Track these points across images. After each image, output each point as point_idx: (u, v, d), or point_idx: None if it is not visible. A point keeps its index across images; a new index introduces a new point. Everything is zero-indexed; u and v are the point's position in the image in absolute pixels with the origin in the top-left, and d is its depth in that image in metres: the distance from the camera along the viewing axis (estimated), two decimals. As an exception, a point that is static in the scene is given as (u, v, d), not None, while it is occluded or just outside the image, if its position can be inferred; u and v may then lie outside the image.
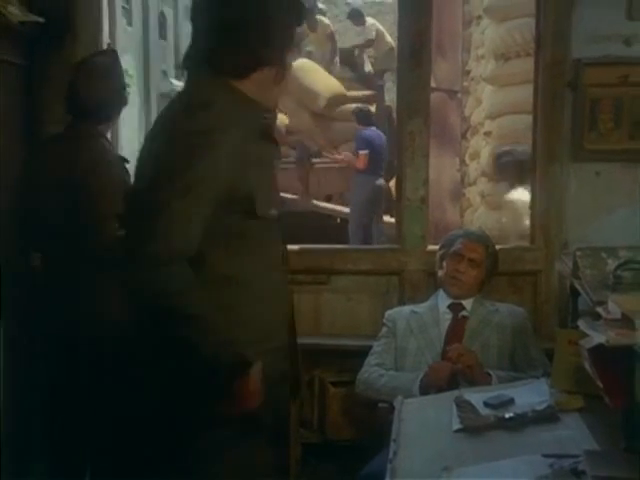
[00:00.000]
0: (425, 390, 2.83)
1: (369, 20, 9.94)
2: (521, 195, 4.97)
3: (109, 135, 3.29)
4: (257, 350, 1.90)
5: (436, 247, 3.32)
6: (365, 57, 9.61)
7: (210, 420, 1.88)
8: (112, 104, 3.12)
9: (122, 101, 3.17)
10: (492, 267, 3.19)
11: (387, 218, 7.38)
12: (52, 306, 3.04)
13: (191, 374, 1.85)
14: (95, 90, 3.04)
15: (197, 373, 1.84)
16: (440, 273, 3.19)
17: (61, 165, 3.00)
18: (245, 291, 1.93)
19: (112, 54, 3.27)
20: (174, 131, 1.89)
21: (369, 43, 9.70)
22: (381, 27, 10.00)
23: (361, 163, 7.54)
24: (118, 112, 3.19)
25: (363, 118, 7.87)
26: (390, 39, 9.94)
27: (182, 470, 1.93)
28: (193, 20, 2.02)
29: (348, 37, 10.27)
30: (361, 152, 7.55)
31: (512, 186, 5.20)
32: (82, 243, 2.95)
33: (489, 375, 2.86)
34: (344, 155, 8.12)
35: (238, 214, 1.88)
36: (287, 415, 2.15)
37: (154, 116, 16.93)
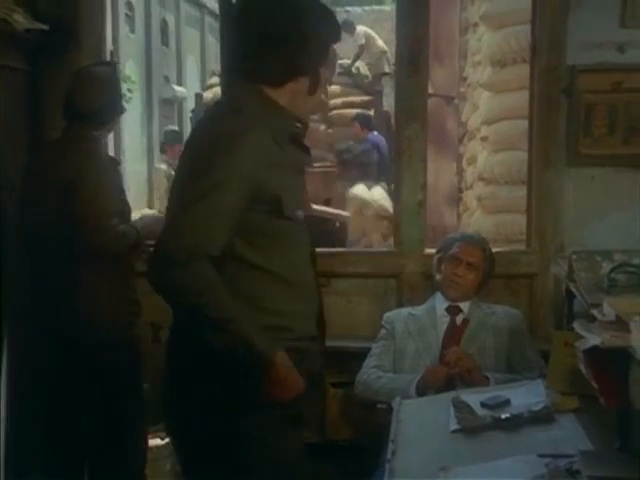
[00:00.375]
0: (422, 392, 2.83)
1: (359, 27, 10.10)
2: (362, 191, 5.02)
3: (109, 139, 3.31)
4: (285, 340, 1.96)
5: (433, 250, 3.33)
6: (361, 64, 9.63)
7: (249, 408, 1.93)
8: (106, 111, 3.13)
9: (117, 109, 3.20)
10: (489, 270, 3.19)
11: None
12: (47, 306, 3.05)
13: (218, 367, 1.90)
14: (89, 97, 3.07)
15: (223, 367, 1.89)
16: (438, 276, 3.19)
17: (56, 167, 3.02)
18: (272, 283, 1.97)
19: (111, 65, 3.31)
20: (204, 134, 1.97)
21: (360, 49, 9.81)
22: (371, 32, 10.08)
23: None
24: (112, 119, 3.20)
25: (366, 122, 7.82)
26: (382, 43, 9.99)
27: (225, 457, 1.97)
28: (231, 29, 2.11)
29: (343, 48, 10.32)
30: None
31: (353, 182, 5.24)
32: (78, 243, 2.96)
33: (487, 378, 2.86)
34: None
35: (265, 213, 1.93)
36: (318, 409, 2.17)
37: (156, 121, 16.98)
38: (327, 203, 8.38)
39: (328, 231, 6.87)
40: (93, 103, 3.07)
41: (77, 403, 3.11)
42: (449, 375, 2.85)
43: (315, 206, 7.06)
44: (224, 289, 1.87)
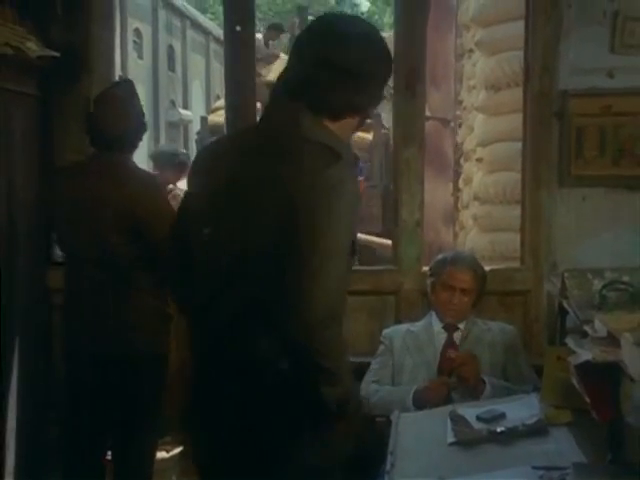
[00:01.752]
0: (419, 404, 2.82)
1: None
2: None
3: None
4: None
5: (430, 268, 3.32)
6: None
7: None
8: (135, 131, 3.10)
9: (142, 128, 3.16)
10: (482, 288, 3.17)
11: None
12: (85, 322, 3.04)
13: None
14: (114, 122, 3.03)
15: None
16: (433, 299, 3.16)
17: (105, 192, 2.96)
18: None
19: (128, 84, 3.27)
20: (308, 186, 1.76)
21: None
22: None
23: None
24: (140, 138, 3.17)
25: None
26: None
27: None
28: (298, 54, 1.93)
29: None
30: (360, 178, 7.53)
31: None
32: (133, 263, 2.97)
33: (483, 382, 2.85)
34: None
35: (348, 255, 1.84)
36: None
37: (162, 143, 17.01)
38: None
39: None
40: (120, 127, 3.03)
41: (102, 418, 3.08)
42: (448, 390, 2.85)
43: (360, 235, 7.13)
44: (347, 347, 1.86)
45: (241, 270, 1.84)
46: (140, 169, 3.16)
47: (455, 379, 2.87)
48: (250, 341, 1.84)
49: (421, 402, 2.83)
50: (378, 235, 7.38)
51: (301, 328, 1.75)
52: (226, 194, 1.88)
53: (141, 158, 3.29)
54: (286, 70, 1.95)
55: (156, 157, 6.09)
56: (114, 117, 3.04)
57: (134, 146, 3.13)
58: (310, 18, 9.26)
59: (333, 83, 1.86)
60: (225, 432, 1.93)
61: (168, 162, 6.09)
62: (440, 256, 3.28)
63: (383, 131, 8.75)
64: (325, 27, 1.95)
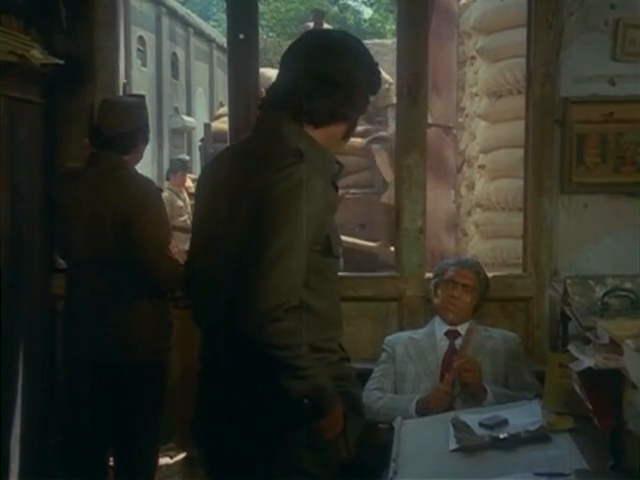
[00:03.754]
0: (422, 412, 2.82)
1: None
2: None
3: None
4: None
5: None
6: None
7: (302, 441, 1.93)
8: (131, 135, 3.07)
9: (142, 135, 3.14)
10: (484, 292, 3.18)
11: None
12: (87, 330, 3.03)
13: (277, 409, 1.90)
14: (114, 121, 3.03)
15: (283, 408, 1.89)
16: (436, 301, 3.19)
17: (105, 198, 2.97)
18: (313, 317, 1.95)
19: (138, 97, 3.29)
20: (270, 186, 1.86)
21: None
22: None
23: None
24: (137, 144, 3.12)
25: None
26: (387, 76, 10.01)
27: None
28: (283, 65, 2.03)
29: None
30: None
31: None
32: (135, 270, 2.96)
33: (485, 390, 2.85)
34: None
35: (320, 253, 1.92)
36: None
37: (166, 150, 17.08)
38: (362, 227, 8.35)
39: (355, 259, 6.93)
40: (120, 126, 3.03)
41: (103, 424, 3.08)
42: (452, 398, 2.84)
43: (345, 237, 7.11)
44: (304, 338, 1.87)
45: (227, 269, 1.93)
46: (139, 174, 3.16)
47: (458, 386, 2.87)
48: (233, 339, 1.89)
49: (424, 410, 2.82)
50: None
51: (252, 320, 1.81)
52: (216, 197, 2.00)
53: (146, 165, 3.27)
54: (275, 81, 2.05)
55: (171, 164, 6.27)
56: (114, 116, 3.05)
57: (132, 147, 3.10)
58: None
59: (313, 92, 1.95)
60: (218, 433, 2.00)
61: (180, 168, 6.27)
62: (445, 260, 3.35)
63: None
64: (309, 40, 2.07)
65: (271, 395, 1.88)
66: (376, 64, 2.05)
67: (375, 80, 2.05)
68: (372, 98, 2.07)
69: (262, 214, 1.86)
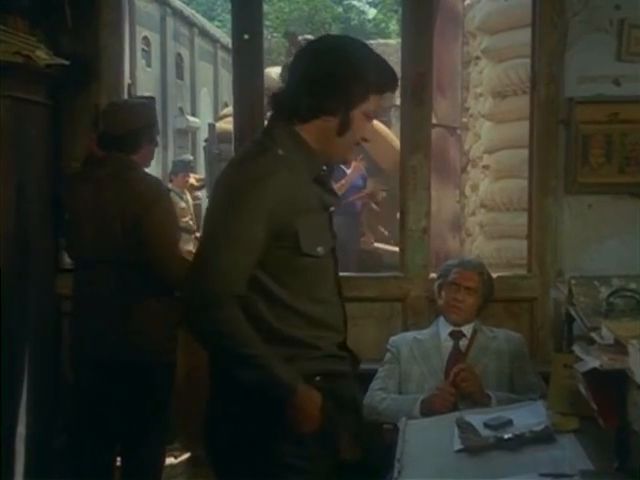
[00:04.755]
0: (426, 412, 2.81)
1: None
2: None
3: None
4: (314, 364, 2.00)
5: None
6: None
7: (280, 436, 1.95)
8: (136, 134, 3.06)
9: (149, 135, 3.13)
10: (488, 293, 3.17)
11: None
12: (95, 329, 3.03)
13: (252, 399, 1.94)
14: (119, 120, 3.03)
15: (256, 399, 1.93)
16: (440, 302, 3.17)
17: (112, 196, 2.97)
18: (295, 316, 1.98)
19: (147, 99, 3.29)
20: (234, 174, 1.98)
21: None
22: None
23: None
24: (143, 144, 3.10)
25: None
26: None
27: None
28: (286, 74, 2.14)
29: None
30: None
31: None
32: (145, 270, 2.96)
33: (489, 397, 2.85)
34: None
35: (287, 250, 1.94)
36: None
37: (171, 150, 17.09)
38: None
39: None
40: (121, 126, 3.02)
41: (110, 424, 3.08)
42: (456, 398, 2.84)
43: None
44: (249, 326, 1.90)
45: None
46: (147, 174, 3.16)
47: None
48: None
49: (428, 411, 2.82)
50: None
51: (193, 309, 1.90)
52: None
53: (150, 167, 3.27)
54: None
55: (173, 165, 6.37)
56: (119, 116, 3.06)
57: (139, 146, 3.08)
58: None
59: (296, 89, 2.00)
60: (211, 433, 2.07)
61: (182, 168, 6.37)
62: (448, 262, 3.31)
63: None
64: (306, 46, 2.12)
65: (242, 388, 1.92)
66: (380, 65, 2.02)
67: (375, 79, 2.01)
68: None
69: (213, 207, 1.99)
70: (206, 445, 2.10)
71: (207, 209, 2.07)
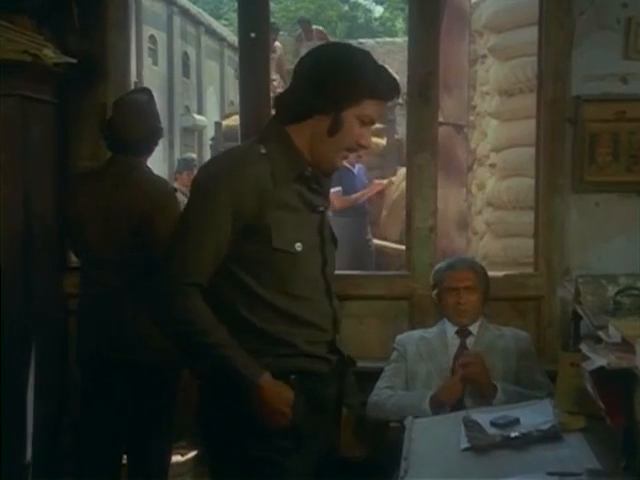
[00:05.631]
0: (436, 408, 2.81)
1: None
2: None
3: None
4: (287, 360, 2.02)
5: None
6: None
7: (252, 431, 1.99)
8: (151, 136, 3.10)
9: (158, 132, 3.15)
10: (486, 285, 3.14)
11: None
12: (101, 328, 3.03)
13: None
14: (133, 124, 3.03)
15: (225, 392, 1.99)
16: (443, 309, 3.14)
17: (119, 196, 2.97)
18: (268, 310, 2.01)
19: (146, 91, 3.28)
20: (200, 173, 2.12)
21: None
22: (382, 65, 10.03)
23: None
24: (156, 143, 3.16)
25: None
26: (394, 75, 9.96)
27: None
28: None
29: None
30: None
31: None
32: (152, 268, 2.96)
33: (495, 387, 2.84)
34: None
35: (258, 244, 1.97)
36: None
37: (177, 149, 17.10)
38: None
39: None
40: (137, 130, 3.03)
41: (117, 422, 3.08)
42: (463, 390, 2.84)
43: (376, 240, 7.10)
44: (211, 317, 1.95)
45: None
46: (154, 174, 3.17)
47: (469, 386, 2.86)
48: None
49: (437, 404, 2.82)
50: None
51: (157, 298, 2.00)
52: None
53: (157, 163, 3.27)
54: None
55: (177, 164, 6.36)
56: (131, 121, 3.04)
57: (150, 150, 3.13)
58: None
59: (288, 90, 2.07)
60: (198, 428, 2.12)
61: (185, 167, 6.40)
62: (437, 267, 3.25)
63: (396, 137, 8.76)
64: (308, 52, 2.14)
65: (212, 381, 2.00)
66: (378, 72, 2.04)
67: (372, 85, 2.01)
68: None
69: (188, 200, 2.04)
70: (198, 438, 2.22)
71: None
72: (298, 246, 2.00)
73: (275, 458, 2.00)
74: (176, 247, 1.99)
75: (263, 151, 2.00)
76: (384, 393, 2.98)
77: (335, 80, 1.98)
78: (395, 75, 2.16)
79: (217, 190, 1.94)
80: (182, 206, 2.17)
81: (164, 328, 2.01)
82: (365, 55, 2.07)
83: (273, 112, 2.13)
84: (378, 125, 9.04)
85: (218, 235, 1.95)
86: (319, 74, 2.00)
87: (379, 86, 2.03)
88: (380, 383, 3.04)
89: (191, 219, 1.97)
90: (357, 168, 7.10)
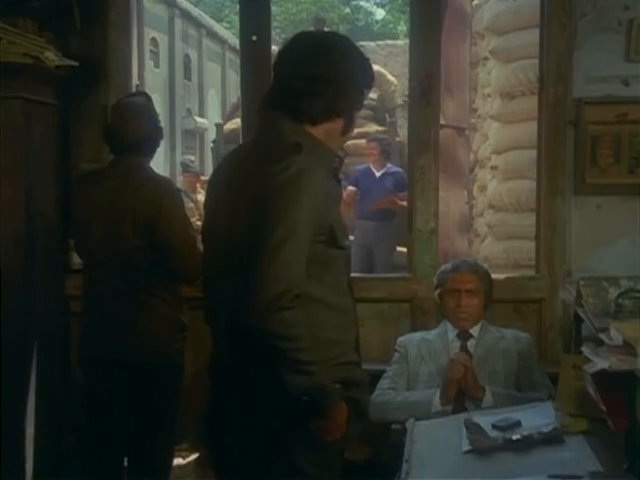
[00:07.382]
0: (446, 401, 2.82)
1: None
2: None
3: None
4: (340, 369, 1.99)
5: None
6: (373, 95, 9.61)
7: (304, 444, 1.95)
8: (152, 137, 3.10)
9: (158, 133, 3.15)
10: (489, 289, 3.13)
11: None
12: (102, 329, 3.03)
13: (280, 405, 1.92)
14: (134, 126, 3.03)
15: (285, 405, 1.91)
16: (443, 310, 3.14)
17: (123, 197, 2.97)
18: (325, 312, 1.98)
19: (144, 94, 3.29)
20: (269, 176, 1.91)
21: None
22: (380, 69, 10.05)
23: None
24: (157, 144, 3.16)
25: (385, 149, 7.34)
26: (392, 78, 9.99)
27: None
28: (277, 70, 2.11)
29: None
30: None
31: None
32: (156, 270, 2.98)
33: (483, 390, 2.84)
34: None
35: (323, 243, 1.94)
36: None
37: (178, 151, 17.10)
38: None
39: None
40: (139, 132, 3.03)
41: (119, 425, 3.08)
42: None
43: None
44: (308, 331, 1.88)
45: (231, 264, 1.95)
46: (157, 174, 3.17)
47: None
48: (237, 333, 1.92)
49: (447, 399, 2.83)
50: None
51: (255, 309, 1.82)
52: (221, 196, 2.07)
53: (158, 167, 3.28)
54: (271, 84, 2.13)
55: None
56: (131, 122, 3.05)
57: (151, 150, 3.13)
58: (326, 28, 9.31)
59: (307, 92, 2.02)
60: (223, 431, 2.05)
61: (186, 169, 6.45)
62: (441, 268, 3.24)
63: (398, 139, 8.76)
64: (299, 42, 2.12)
65: (272, 392, 1.89)
66: (366, 59, 2.11)
67: (367, 74, 2.11)
68: (378, 101, 2.12)
69: (263, 206, 1.89)
70: (214, 444, 2.11)
71: (253, 213, 1.92)
72: (347, 241, 2.02)
73: (321, 474, 1.98)
74: (274, 254, 1.84)
75: (307, 152, 1.96)
76: (388, 394, 2.97)
77: (350, 80, 2.03)
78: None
79: (301, 195, 1.88)
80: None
81: (264, 342, 1.86)
82: (352, 42, 2.12)
83: (283, 111, 2.04)
84: (380, 128, 9.07)
85: (309, 239, 1.90)
86: (335, 75, 2.01)
87: (370, 72, 2.12)
88: (383, 384, 3.03)
89: (284, 228, 1.86)
90: (385, 171, 7.02)
